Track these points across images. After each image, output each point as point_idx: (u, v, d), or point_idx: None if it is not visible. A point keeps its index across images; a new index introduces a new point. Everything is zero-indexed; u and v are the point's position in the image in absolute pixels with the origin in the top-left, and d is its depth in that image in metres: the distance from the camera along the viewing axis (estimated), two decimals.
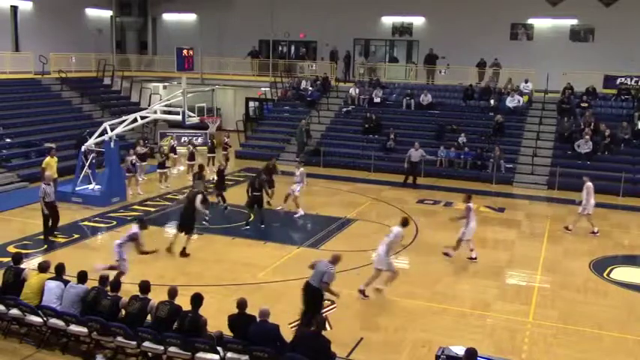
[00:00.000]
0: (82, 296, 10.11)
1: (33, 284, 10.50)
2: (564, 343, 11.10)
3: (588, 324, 11.86)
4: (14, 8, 32.23)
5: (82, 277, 10.44)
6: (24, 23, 32.59)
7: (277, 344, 8.95)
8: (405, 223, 13.22)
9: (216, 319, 9.70)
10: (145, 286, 9.87)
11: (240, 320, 9.24)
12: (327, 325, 11.16)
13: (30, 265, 12.63)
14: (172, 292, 9.73)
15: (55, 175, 17.53)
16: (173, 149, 25.36)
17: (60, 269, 10.66)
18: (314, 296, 10.69)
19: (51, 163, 18.61)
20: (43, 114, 27.74)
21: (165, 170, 22.61)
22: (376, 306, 12.17)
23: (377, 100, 30.01)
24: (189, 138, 29.02)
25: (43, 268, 10.76)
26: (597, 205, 19.78)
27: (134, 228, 12.67)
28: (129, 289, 10.45)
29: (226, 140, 26.43)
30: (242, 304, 9.33)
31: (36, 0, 32.77)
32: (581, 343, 11.11)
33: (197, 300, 9.41)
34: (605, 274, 14.68)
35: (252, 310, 9.36)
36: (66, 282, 10.46)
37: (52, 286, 10.31)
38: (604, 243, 17.24)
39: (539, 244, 16.99)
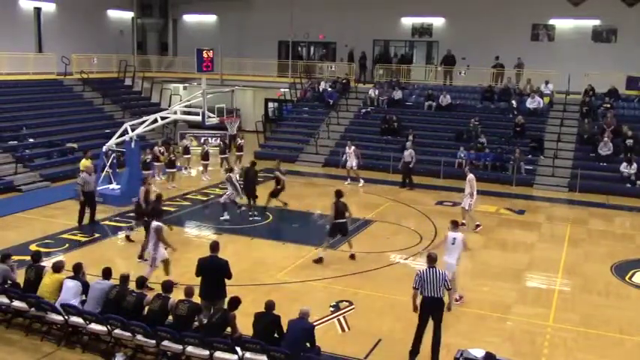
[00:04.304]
0: (106, 291, 10.25)
1: (48, 283, 10.65)
2: (585, 347, 10.99)
3: (609, 328, 11.72)
4: (38, 10, 32.68)
5: (107, 273, 10.61)
6: (47, 25, 33.03)
7: (307, 344, 9.16)
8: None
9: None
10: (167, 286, 10.02)
11: (264, 318, 9.35)
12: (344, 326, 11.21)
13: (50, 263, 12.77)
14: (189, 291, 9.85)
15: (93, 175, 18.13)
16: (187, 150, 25.43)
17: (77, 268, 10.79)
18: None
19: (86, 164, 18.88)
20: (65, 114, 28.11)
21: (173, 170, 22.71)
22: (395, 308, 12.13)
23: (397, 97, 29.97)
24: (205, 138, 29.16)
25: (57, 267, 10.89)
26: (618, 207, 19.44)
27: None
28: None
29: (240, 142, 26.27)
30: (270, 305, 9.44)
31: (59, 2, 33.19)
32: (602, 348, 10.99)
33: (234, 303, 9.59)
34: (627, 278, 14.47)
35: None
36: (83, 281, 10.58)
37: (71, 285, 10.43)
38: (626, 246, 17.01)
39: (559, 246, 16.79)
